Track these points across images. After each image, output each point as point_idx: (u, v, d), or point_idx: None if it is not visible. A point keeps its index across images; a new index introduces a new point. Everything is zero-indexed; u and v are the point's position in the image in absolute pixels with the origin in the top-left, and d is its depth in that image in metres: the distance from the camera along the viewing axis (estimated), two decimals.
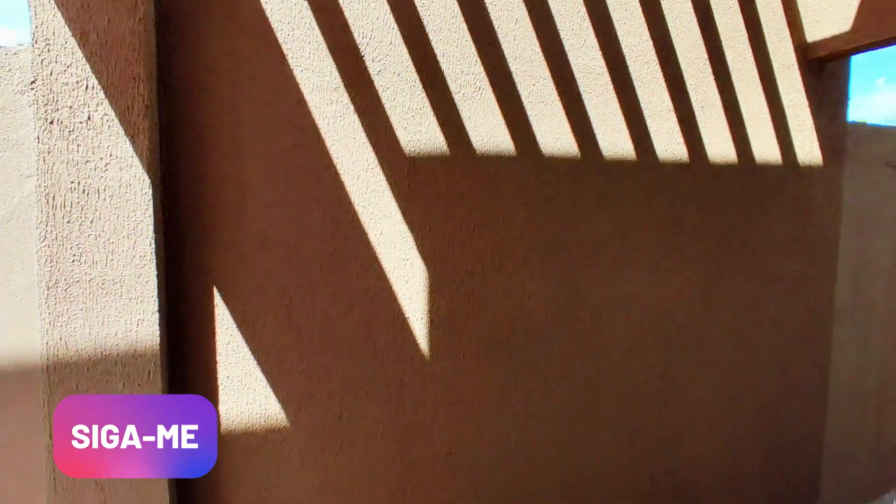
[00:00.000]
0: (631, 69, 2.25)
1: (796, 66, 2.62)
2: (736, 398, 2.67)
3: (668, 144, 2.36)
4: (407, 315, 1.99)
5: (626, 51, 2.23)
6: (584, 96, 2.18)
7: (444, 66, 1.96)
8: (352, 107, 1.85)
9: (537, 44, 2.08)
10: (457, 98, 1.99)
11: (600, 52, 2.19)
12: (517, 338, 2.17)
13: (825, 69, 2.69)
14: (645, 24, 2.25)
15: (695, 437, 2.60)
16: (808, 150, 2.70)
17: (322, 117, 1.82)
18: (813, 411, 2.92)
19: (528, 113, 2.09)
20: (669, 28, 2.30)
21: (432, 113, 1.96)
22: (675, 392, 2.51)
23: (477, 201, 2.05)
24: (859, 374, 3.08)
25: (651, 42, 2.28)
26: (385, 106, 1.89)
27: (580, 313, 2.27)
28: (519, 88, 2.07)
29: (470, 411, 2.12)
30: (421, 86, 1.93)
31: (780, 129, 2.62)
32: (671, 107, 2.35)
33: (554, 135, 2.14)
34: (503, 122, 2.06)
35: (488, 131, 2.04)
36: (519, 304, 2.16)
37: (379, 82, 1.88)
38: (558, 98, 2.13)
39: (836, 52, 2.54)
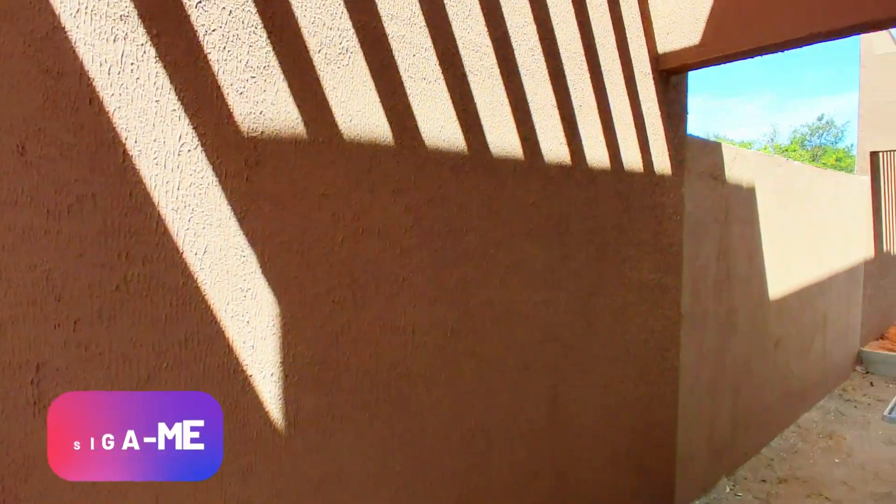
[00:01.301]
0: (517, 53, 1.94)
1: (651, 75, 2.61)
2: (613, 416, 2.53)
3: (553, 144, 2.11)
4: (249, 372, 1.35)
5: (511, 31, 1.92)
6: (471, 77, 1.80)
7: (297, 9, 1.38)
8: (153, 50, 1.17)
9: (417, 4, 1.63)
10: (316, 59, 1.43)
11: (486, 28, 1.83)
12: (400, 384, 1.66)
13: (671, 81, 2.76)
14: (528, 4, 1.97)
15: (582, 464, 2.38)
16: (661, 159, 2.72)
17: (98, 61, 1.10)
18: (668, 416, 2.96)
19: (408, 90, 1.63)
20: (551, 13, 2.06)
21: (281, 75, 1.37)
22: (562, 421, 2.25)
23: (345, 204, 1.50)
24: (697, 374, 3.25)
25: (535, 26, 2.00)
26: (209, 56, 1.25)
27: (470, 343, 1.86)
28: (396, 57, 1.60)
29: (345, 490, 1.54)
30: (265, 33, 1.33)
31: (642, 137, 2.59)
32: (554, 102, 2.10)
33: (438, 122, 1.71)
34: (378, 99, 1.56)
35: (359, 110, 1.52)
36: (402, 340, 1.65)
37: (200, 18, 1.23)
38: (442, 75, 1.71)
39: (684, 65, 2.59)
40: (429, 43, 1.67)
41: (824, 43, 2.25)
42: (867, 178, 6.01)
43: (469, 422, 1.87)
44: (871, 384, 5.43)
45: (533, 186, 2.04)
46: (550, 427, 2.19)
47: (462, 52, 1.76)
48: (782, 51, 2.35)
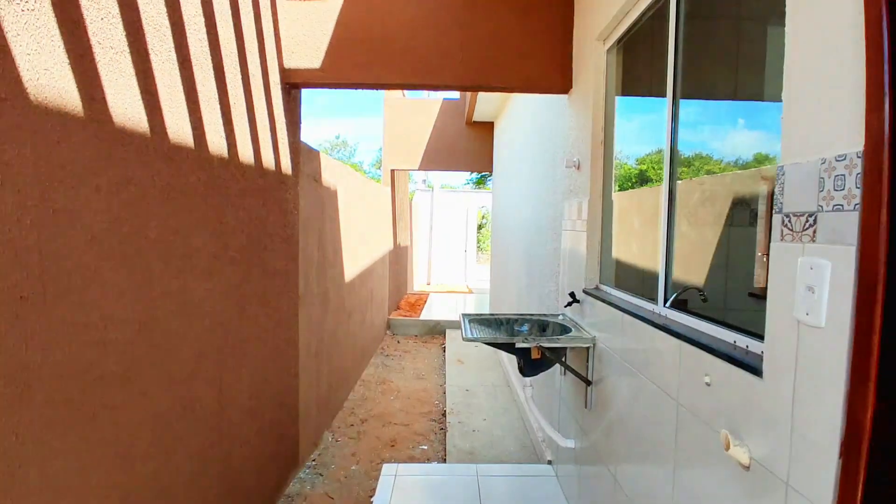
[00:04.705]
0: (190, 41, 1.93)
1: (280, 86, 2.95)
2: (260, 390, 2.76)
3: (214, 137, 2.17)
4: None
5: (186, 18, 1.89)
6: (153, 56, 1.70)
7: None
8: None
9: None
10: None
11: (165, 8, 1.76)
12: (96, 389, 1.46)
13: (292, 93, 3.16)
14: None
15: (242, 443, 2.51)
16: (286, 160, 3.10)
17: None
18: (293, 385, 3.38)
19: (97, 57, 1.44)
20: (215, 10, 2.12)
21: None
22: (228, 404, 2.34)
23: (25, 182, 1.24)
24: (308, 345, 3.79)
25: (204, 19, 2.02)
26: None
27: (156, 337, 1.76)
28: (85, 14, 1.39)
29: None
30: None
31: (275, 139, 2.89)
32: (217, 96, 2.17)
33: (125, 98, 1.56)
34: (66, 59, 1.33)
35: (47, 69, 1.27)
36: (96, 338, 1.45)
37: None
38: (128, 48, 1.57)
39: (307, 82, 3.04)
40: (116, 8, 1.51)
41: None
42: (389, 189, 8.06)
43: (158, 419, 1.77)
44: (398, 342, 7.39)
45: (202, 176, 2.06)
46: (218, 412, 2.25)
47: (145, 26, 1.66)
48: (374, 90, 3.13)
